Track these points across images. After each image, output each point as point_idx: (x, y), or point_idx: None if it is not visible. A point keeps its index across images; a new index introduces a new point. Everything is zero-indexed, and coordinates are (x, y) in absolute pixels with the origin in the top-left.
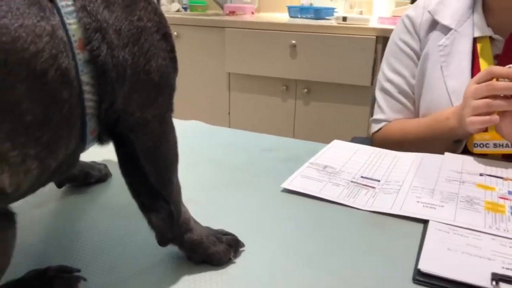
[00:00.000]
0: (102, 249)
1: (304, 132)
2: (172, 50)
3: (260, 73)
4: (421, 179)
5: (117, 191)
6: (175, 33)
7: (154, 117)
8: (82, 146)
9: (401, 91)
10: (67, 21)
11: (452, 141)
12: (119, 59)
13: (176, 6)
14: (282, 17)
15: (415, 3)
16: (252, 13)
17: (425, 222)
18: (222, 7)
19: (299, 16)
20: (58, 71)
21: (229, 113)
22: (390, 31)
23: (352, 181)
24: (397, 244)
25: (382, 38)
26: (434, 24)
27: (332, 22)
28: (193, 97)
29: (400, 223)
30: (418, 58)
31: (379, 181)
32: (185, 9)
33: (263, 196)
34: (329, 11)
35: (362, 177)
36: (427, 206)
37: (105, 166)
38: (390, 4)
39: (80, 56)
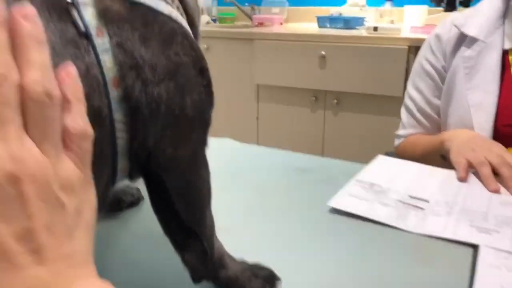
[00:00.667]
0: (133, 280)
1: (334, 143)
2: (208, 85)
3: (289, 84)
4: (472, 200)
5: (150, 215)
6: (205, 45)
7: (187, 154)
8: (111, 184)
9: (419, 109)
10: (102, 59)
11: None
12: (154, 96)
13: (205, 18)
14: (311, 27)
15: (444, 20)
16: (281, 23)
17: (475, 246)
18: (250, 18)
19: (328, 26)
20: (90, 111)
21: (257, 124)
22: (423, 40)
23: (400, 201)
24: (448, 271)
25: (415, 48)
26: (461, 39)
27: (362, 32)
28: (221, 109)
29: (451, 246)
30: (442, 78)
31: (428, 201)
32: (214, 21)
33: (301, 221)
34: (359, 21)
35: (410, 196)
36: (481, 231)
37: (138, 189)
38: (423, 12)
39: (114, 94)
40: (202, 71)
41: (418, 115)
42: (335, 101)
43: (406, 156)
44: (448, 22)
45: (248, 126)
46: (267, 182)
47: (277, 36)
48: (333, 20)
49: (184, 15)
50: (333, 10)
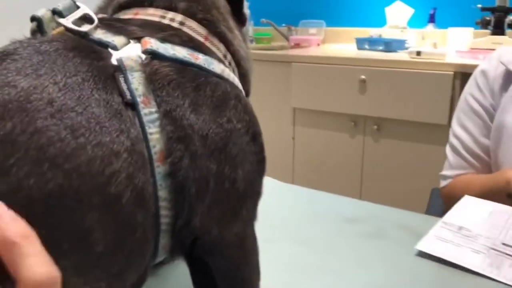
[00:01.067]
0: None
1: (373, 170)
2: (261, 151)
3: (326, 108)
4: None
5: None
6: None
7: (235, 235)
8: (152, 262)
9: (467, 149)
10: (148, 131)
11: None
12: (203, 172)
13: None
14: (349, 49)
15: (489, 56)
16: (318, 44)
17: None
18: (287, 39)
19: (367, 48)
20: (134, 192)
21: (293, 147)
22: (470, 66)
23: (492, 249)
24: None
25: (461, 74)
26: (509, 76)
27: (404, 56)
28: None
29: None
30: (490, 116)
31: None
32: (251, 41)
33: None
34: (400, 44)
35: (503, 244)
36: None
37: None
38: (468, 35)
39: (160, 169)
40: (255, 136)
41: (466, 155)
42: (376, 127)
43: (456, 198)
44: (495, 59)
45: (284, 150)
46: (313, 232)
47: (315, 59)
48: (372, 42)
49: (236, 69)
50: (372, 32)
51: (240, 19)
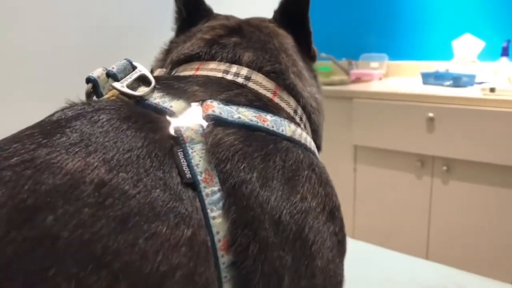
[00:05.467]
0: None
1: (443, 214)
2: (340, 229)
3: (390, 147)
4: None
5: None
6: None
7: None
8: None
9: None
10: (210, 215)
11: None
12: (274, 264)
13: None
14: (414, 83)
15: None
16: (380, 78)
17: None
18: (347, 73)
19: (433, 82)
20: None
21: (354, 187)
22: None
23: None
24: None
25: None
26: None
27: (476, 92)
28: None
29: None
30: None
31: None
32: None
33: None
34: (471, 79)
35: None
36: None
37: None
38: None
39: (224, 259)
40: (333, 212)
41: None
42: (445, 168)
43: None
44: None
45: (344, 189)
46: None
47: (378, 95)
48: (439, 77)
49: (308, 122)
50: (438, 65)
51: (309, 55)
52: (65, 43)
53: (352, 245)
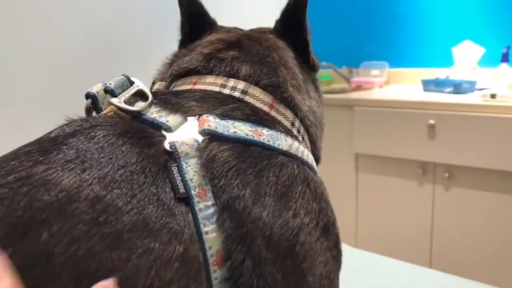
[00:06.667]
0: None
1: (445, 220)
2: (335, 245)
3: (392, 154)
4: None
5: None
6: None
7: None
8: None
9: None
10: (203, 229)
11: None
12: (266, 280)
13: None
14: (414, 90)
15: None
16: (381, 86)
17: None
18: (348, 81)
19: (434, 89)
20: None
21: (356, 195)
22: None
23: None
24: None
25: None
26: None
27: (477, 98)
28: None
29: None
30: None
31: None
32: None
33: None
34: (471, 86)
35: None
36: None
37: None
38: None
39: (217, 274)
40: (327, 228)
41: None
42: (447, 174)
43: None
44: None
45: (346, 197)
46: None
47: (379, 102)
48: (440, 84)
49: (306, 134)
50: (439, 72)
51: (310, 65)
52: (66, 50)
53: (355, 254)
